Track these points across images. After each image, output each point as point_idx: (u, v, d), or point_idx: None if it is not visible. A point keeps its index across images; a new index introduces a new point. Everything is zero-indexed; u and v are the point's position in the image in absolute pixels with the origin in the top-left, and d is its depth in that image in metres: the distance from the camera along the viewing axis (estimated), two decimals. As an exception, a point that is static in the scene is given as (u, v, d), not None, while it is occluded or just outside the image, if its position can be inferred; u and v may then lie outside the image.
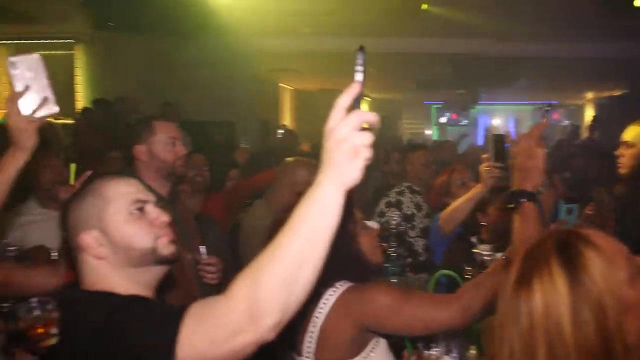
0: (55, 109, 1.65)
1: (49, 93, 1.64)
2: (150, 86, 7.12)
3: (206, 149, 4.16)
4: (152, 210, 1.37)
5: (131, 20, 5.91)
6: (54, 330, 1.77)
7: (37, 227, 2.98)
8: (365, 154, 1.00)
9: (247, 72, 8.01)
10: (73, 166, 2.16)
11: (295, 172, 3.05)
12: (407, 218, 3.85)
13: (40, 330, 1.75)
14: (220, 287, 2.51)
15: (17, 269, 2.21)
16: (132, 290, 1.31)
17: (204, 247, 2.48)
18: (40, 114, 1.63)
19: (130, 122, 5.66)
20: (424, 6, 6.47)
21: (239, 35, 6.84)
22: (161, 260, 1.35)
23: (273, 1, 6.33)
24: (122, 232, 1.32)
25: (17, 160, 1.68)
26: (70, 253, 1.39)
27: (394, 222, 3.73)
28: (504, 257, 1.88)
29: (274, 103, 11.47)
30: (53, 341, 1.78)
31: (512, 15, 6.95)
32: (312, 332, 1.73)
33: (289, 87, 13.22)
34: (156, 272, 1.38)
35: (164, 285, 1.45)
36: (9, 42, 8.38)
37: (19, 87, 1.60)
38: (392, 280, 3.50)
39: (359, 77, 1.02)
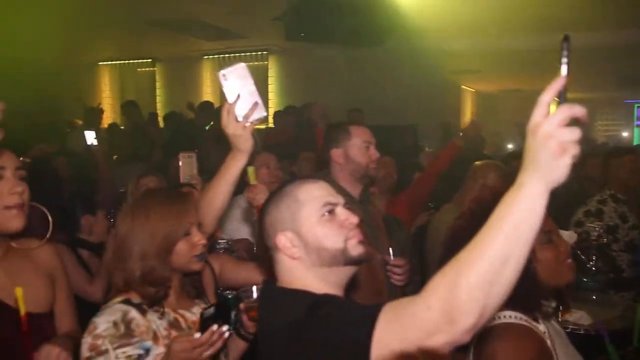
0: (264, 112, 1.76)
1: (257, 98, 1.75)
2: (338, 92, 7.43)
3: (391, 153, 4.22)
4: (341, 212, 1.41)
5: (321, 30, 6.21)
6: None
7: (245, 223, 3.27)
8: (573, 151, 0.95)
9: (430, 75, 7.95)
10: (251, 169, 2.30)
11: (486, 176, 2.96)
12: (610, 230, 3.51)
13: (255, 313, 1.87)
14: (405, 288, 2.54)
15: (229, 262, 2.46)
16: (324, 289, 1.36)
17: (392, 248, 2.51)
18: (252, 118, 1.76)
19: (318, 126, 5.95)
20: (633, -10, 5.79)
21: (424, 38, 6.81)
22: (351, 261, 1.39)
23: (461, 3, 6.19)
24: (314, 234, 1.38)
25: (238, 163, 1.87)
26: (266, 252, 1.49)
27: (594, 234, 3.42)
28: None
29: (455, 106, 11.23)
30: None
31: None
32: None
33: (470, 89, 12.84)
34: (346, 272, 1.42)
35: (351, 285, 1.49)
36: (212, 56, 9.41)
37: (231, 98, 1.73)
38: (592, 297, 3.22)
39: (564, 69, 0.97)
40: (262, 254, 1.73)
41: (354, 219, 1.41)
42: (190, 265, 1.78)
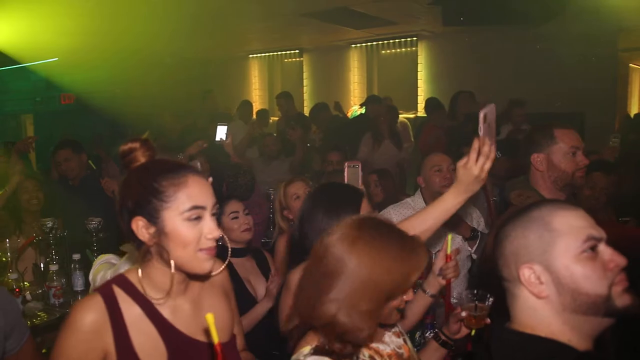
0: (498, 153, 1.74)
1: (493, 140, 1.74)
2: (492, 79, 6.99)
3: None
4: (605, 250, 1.20)
5: (481, 13, 5.83)
6: (480, 325, 1.76)
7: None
8: None
9: (598, 55, 7.14)
10: (451, 236, 1.99)
11: None
12: None
13: (474, 321, 1.76)
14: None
15: None
16: (573, 339, 1.19)
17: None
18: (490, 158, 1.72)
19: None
20: None
21: (594, 14, 6.12)
22: (613, 312, 1.18)
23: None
24: (570, 273, 1.18)
25: (457, 201, 1.80)
26: (502, 282, 1.31)
27: None
28: None
29: (624, 87, 10.11)
30: (470, 333, 1.80)
31: None
32: None
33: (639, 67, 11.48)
34: (602, 324, 1.21)
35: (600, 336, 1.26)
36: (360, 45, 9.33)
37: (484, 136, 1.71)
38: None
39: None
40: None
41: (621, 261, 1.19)
42: (387, 320, 1.45)
